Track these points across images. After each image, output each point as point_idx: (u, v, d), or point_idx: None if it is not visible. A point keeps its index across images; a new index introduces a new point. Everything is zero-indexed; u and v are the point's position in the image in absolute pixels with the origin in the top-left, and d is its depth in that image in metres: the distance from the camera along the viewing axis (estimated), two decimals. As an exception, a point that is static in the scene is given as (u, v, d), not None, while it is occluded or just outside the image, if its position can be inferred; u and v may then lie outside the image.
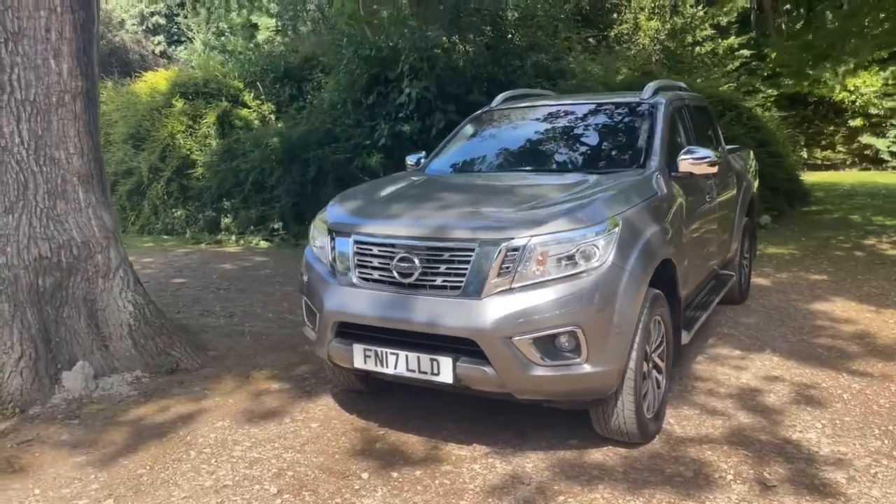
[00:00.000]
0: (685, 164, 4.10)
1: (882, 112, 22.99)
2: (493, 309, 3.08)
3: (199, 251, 10.72)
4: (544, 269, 3.12)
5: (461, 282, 3.19)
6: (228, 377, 4.67)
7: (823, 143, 21.72)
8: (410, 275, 3.29)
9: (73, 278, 4.49)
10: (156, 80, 14.26)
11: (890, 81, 24.13)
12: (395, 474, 3.30)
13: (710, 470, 3.28)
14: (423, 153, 5.12)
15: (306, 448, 3.60)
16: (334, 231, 3.64)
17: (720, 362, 4.80)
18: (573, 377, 3.12)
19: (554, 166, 4.31)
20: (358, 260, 3.48)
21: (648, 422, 3.49)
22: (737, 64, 16.75)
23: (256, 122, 13.68)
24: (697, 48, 16.49)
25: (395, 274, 3.33)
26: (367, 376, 3.97)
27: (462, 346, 3.17)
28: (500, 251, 3.13)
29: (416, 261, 3.27)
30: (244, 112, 13.52)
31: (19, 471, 3.40)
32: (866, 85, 23.68)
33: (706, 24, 16.68)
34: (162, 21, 32.77)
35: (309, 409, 4.13)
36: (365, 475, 3.30)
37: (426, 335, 3.24)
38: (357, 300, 3.42)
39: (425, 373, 3.24)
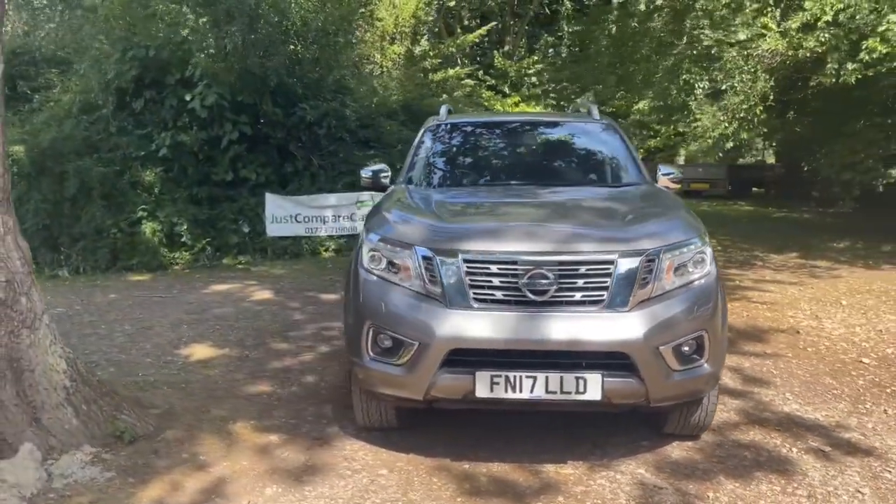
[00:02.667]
0: (664, 179, 4.54)
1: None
2: (643, 320, 3.11)
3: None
4: (671, 278, 3.25)
5: (602, 295, 3.14)
6: (206, 437, 3.81)
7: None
8: (545, 292, 3.13)
9: (-4, 331, 3.26)
10: None
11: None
12: (542, 506, 3.10)
13: (774, 448, 3.71)
14: (383, 166, 4.77)
15: (413, 498, 3.17)
16: (432, 250, 3.26)
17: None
18: (698, 379, 3.29)
19: (572, 180, 4.42)
20: (471, 280, 3.19)
21: (710, 414, 3.81)
22: (467, 91, 18.28)
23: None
24: (431, 75, 17.63)
25: (527, 292, 3.14)
26: (407, 411, 3.67)
27: (604, 361, 3.13)
28: (639, 262, 3.17)
29: (551, 276, 3.13)
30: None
31: None
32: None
33: (436, 54, 17.96)
34: None
35: (352, 457, 3.61)
36: (515, 512, 3.04)
37: (562, 353, 3.12)
38: (479, 324, 3.13)
39: (568, 392, 3.11)
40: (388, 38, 16.58)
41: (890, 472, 3.44)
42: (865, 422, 4.08)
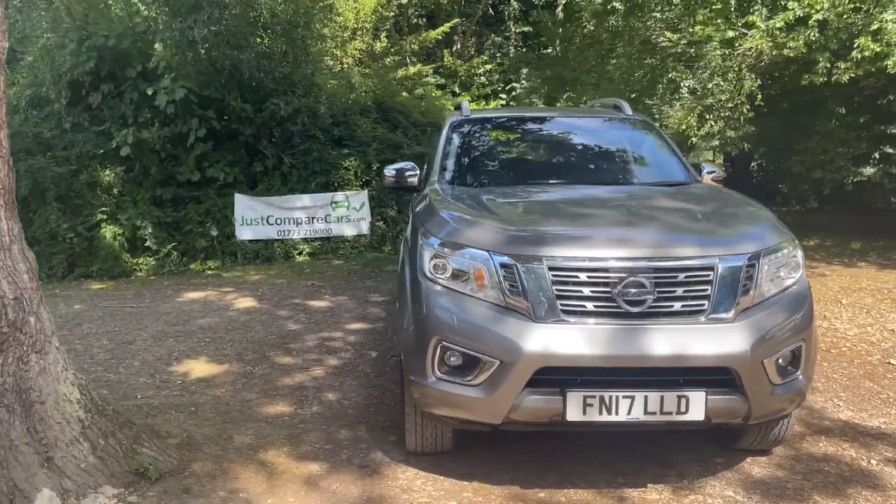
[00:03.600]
0: (707, 177, 4.32)
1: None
2: (748, 331, 2.85)
3: None
4: (768, 284, 3.01)
5: (703, 304, 2.87)
6: (238, 469, 3.37)
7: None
8: (642, 302, 2.83)
9: (4, 357, 2.75)
10: None
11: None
12: (643, 538, 2.81)
13: (852, 461, 3.52)
14: (410, 163, 4.39)
15: (499, 535, 2.83)
16: (512, 257, 2.91)
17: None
18: (795, 392, 3.06)
19: (623, 179, 4.14)
20: (558, 290, 2.86)
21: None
22: (429, 88, 17.92)
23: None
24: (393, 73, 17.21)
25: (621, 302, 2.83)
26: (462, 434, 3.33)
27: (706, 377, 2.86)
28: (742, 266, 2.91)
29: (648, 285, 2.83)
30: None
31: None
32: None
33: (398, 51, 17.58)
34: None
35: (410, 488, 3.24)
36: (619, 548, 2.73)
37: (661, 370, 2.84)
38: (571, 339, 2.81)
39: (668, 413, 2.82)
40: (349, 33, 16.08)
41: (981, 483, 3.28)
42: (927, 427, 3.94)
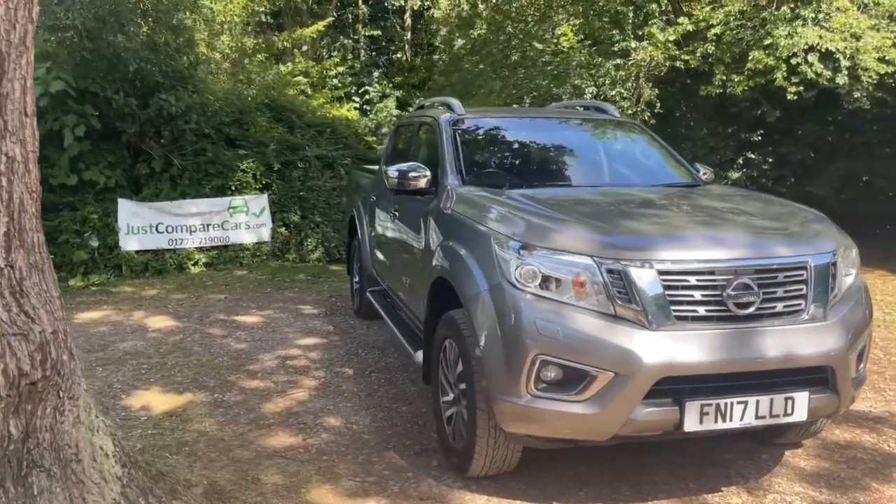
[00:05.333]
0: (704, 177, 4.41)
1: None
2: (841, 328, 2.90)
3: None
4: (842, 281, 3.08)
5: (801, 304, 2.87)
6: (290, 516, 2.92)
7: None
8: (750, 304, 2.78)
9: (43, 408, 2.15)
10: None
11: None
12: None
13: (874, 446, 3.72)
14: (416, 164, 4.05)
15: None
16: (622, 262, 2.73)
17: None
18: (859, 386, 3.16)
19: (647, 180, 4.06)
20: (670, 295, 2.73)
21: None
22: (300, 89, 17.22)
23: None
24: (265, 71, 16.37)
25: (731, 305, 2.76)
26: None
27: (807, 377, 2.87)
28: (828, 266, 2.95)
29: (754, 286, 2.78)
30: None
31: None
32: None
33: (268, 47, 16.77)
34: None
35: (493, 517, 2.97)
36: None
37: (768, 373, 2.81)
38: (690, 346, 2.69)
39: (777, 416, 2.80)
40: (216, 29, 15.06)
41: None
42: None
